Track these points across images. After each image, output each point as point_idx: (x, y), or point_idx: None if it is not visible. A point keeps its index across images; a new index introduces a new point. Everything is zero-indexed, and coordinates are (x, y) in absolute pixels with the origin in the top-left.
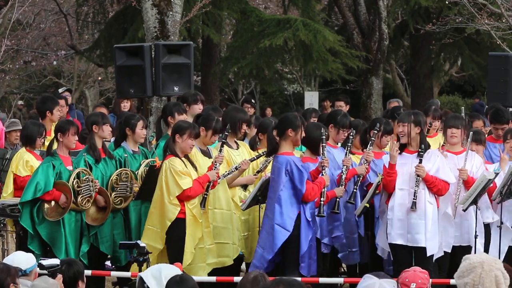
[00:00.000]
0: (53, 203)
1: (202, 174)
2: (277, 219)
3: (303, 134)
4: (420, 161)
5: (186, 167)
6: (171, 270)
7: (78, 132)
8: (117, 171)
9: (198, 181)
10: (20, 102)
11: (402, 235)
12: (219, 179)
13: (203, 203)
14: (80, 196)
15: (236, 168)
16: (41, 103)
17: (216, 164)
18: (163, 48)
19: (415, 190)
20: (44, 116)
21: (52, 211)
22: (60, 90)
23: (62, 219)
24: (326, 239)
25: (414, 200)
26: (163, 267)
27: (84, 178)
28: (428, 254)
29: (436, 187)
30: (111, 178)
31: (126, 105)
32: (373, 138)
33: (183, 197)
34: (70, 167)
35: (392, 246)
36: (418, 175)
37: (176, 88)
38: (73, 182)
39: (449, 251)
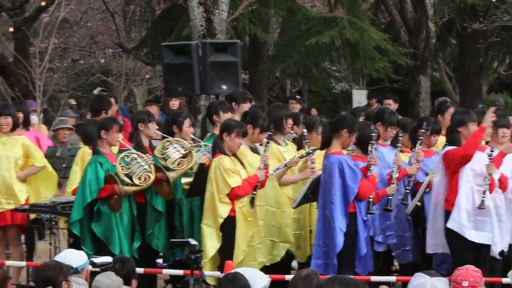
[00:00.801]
0: (115, 196)
1: (251, 171)
2: (334, 220)
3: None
4: (490, 160)
5: (235, 165)
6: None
7: (121, 129)
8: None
9: (248, 181)
10: (72, 101)
11: (471, 230)
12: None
13: (252, 203)
14: (136, 176)
15: (285, 165)
16: (97, 102)
17: (261, 165)
18: (210, 46)
19: (484, 189)
20: (99, 115)
21: (116, 203)
22: (95, 91)
23: (115, 216)
24: (380, 237)
25: (483, 198)
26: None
27: (129, 159)
28: (495, 252)
29: (503, 184)
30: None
31: (175, 104)
32: (421, 137)
33: (232, 195)
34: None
35: (458, 240)
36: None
37: (224, 87)
38: (120, 169)
39: (506, 249)
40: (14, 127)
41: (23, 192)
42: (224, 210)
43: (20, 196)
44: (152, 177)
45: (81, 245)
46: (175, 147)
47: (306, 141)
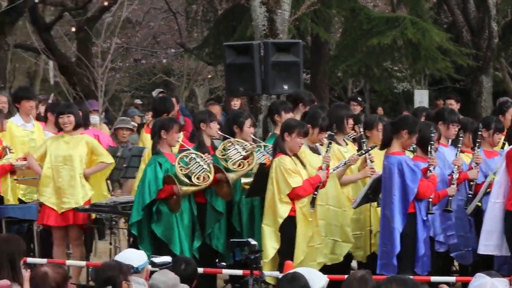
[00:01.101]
0: (174, 196)
1: (311, 171)
2: (393, 220)
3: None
4: None
5: (296, 165)
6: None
7: (181, 129)
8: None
9: (309, 181)
10: (138, 101)
11: None
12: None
13: (312, 203)
14: (194, 175)
15: (345, 163)
16: (160, 104)
17: (323, 165)
18: (272, 46)
19: None
20: (160, 116)
21: (175, 203)
22: (154, 93)
23: (175, 216)
24: (441, 237)
25: None
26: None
27: (188, 159)
28: None
29: None
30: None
31: (236, 103)
32: (478, 140)
33: (293, 196)
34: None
35: None
36: None
37: (285, 87)
38: (179, 169)
39: None
40: (77, 126)
41: (87, 192)
42: (284, 210)
43: (83, 195)
44: (211, 176)
45: (138, 245)
46: (236, 148)
47: (363, 140)
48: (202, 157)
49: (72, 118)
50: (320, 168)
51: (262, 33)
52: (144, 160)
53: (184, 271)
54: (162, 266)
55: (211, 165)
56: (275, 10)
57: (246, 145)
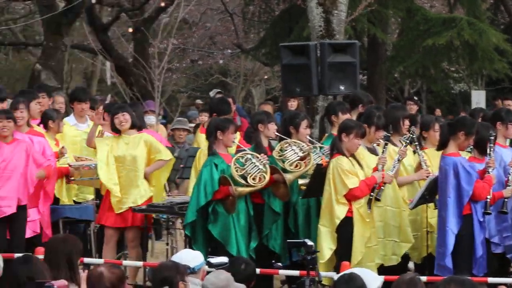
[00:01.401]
0: (230, 197)
1: (368, 172)
2: (447, 221)
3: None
4: None
5: (353, 165)
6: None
7: (237, 130)
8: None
9: (366, 182)
10: (199, 101)
11: None
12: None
13: (369, 204)
14: (250, 176)
15: (398, 160)
16: (218, 105)
17: (379, 166)
18: (328, 47)
19: None
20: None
21: (231, 204)
22: (211, 93)
23: (232, 216)
24: (496, 238)
25: None
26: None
27: (244, 159)
28: None
29: None
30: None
31: (293, 104)
32: None
33: (350, 197)
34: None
35: None
36: None
37: (342, 87)
38: (234, 170)
39: None
40: (133, 125)
41: (145, 192)
42: (341, 211)
43: (141, 195)
44: (267, 177)
45: (192, 246)
46: (293, 149)
47: (416, 143)
48: (258, 157)
49: (127, 116)
50: (376, 169)
51: (319, 34)
52: (197, 160)
53: (244, 272)
54: (218, 266)
55: (267, 166)
56: (332, 11)
57: (303, 146)
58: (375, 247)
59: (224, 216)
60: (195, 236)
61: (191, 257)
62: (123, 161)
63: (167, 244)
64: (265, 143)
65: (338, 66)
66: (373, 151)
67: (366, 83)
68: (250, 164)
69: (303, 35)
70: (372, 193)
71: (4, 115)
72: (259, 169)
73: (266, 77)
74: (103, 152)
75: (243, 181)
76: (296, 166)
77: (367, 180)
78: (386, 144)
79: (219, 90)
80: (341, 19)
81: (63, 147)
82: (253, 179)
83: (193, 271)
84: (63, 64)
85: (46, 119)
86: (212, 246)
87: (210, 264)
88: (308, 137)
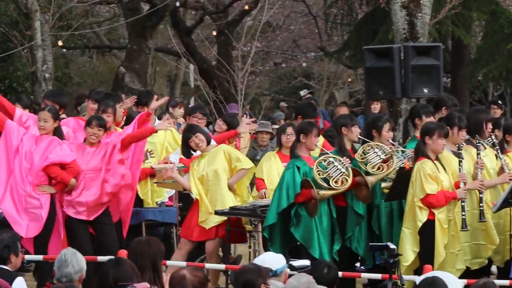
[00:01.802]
0: (313, 200)
1: (453, 176)
2: None
3: None
4: None
5: (437, 169)
6: None
7: (320, 133)
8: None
9: (445, 193)
10: (284, 104)
11: None
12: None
13: (481, 216)
14: (332, 179)
15: (478, 171)
16: (305, 108)
17: (478, 170)
18: (412, 49)
19: None
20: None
21: (313, 207)
22: (302, 93)
23: (315, 219)
24: None
25: None
26: None
27: (326, 163)
28: None
29: None
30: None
31: (376, 107)
32: None
33: (425, 202)
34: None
35: None
36: None
37: (425, 90)
38: (317, 173)
39: None
40: (208, 142)
41: (234, 202)
42: (422, 214)
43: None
44: (349, 180)
45: (269, 248)
46: (375, 152)
47: (497, 147)
48: (340, 160)
49: (201, 137)
50: (458, 185)
51: (402, 37)
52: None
53: (327, 275)
54: (300, 269)
55: (349, 169)
56: (416, 14)
57: (385, 148)
58: (458, 253)
59: (306, 219)
60: (273, 238)
61: (273, 260)
62: (206, 179)
63: (249, 247)
64: (348, 146)
65: (422, 69)
66: (458, 155)
67: (450, 86)
68: (333, 167)
69: (388, 38)
70: (481, 204)
71: (97, 122)
72: (341, 172)
73: (349, 80)
74: (192, 185)
75: (325, 184)
76: (379, 168)
77: (447, 193)
78: (478, 154)
79: (310, 90)
80: (425, 22)
81: (147, 150)
82: (336, 182)
83: (275, 274)
84: (147, 67)
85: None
86: (291, 249)
87: (292, 267)
88: (390, 140)
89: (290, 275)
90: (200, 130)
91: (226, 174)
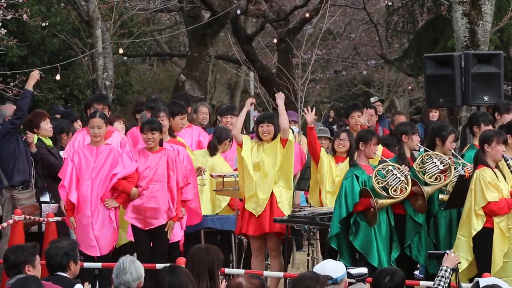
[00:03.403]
0: (372, 209)
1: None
2: None
3: None
4: None
5: (497, 178)
6: None
7: (379, 141)
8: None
9: (507, 201)
10: (331, 113)
11: None
12: None
13: None
14: (391, 188)
15: None
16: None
17: None
18: (473, 57)
19: None
20: None
21: (372, 216)
22: (372, 100)
23: (374, 227)
24: None
25: None
26: None
27: (385, 171)
28: None
29: None
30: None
31: (434, 115)
32: None
33: (487, 210)
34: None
35: None
36: None
37: (486, 98)
38: (375, 182)
39: None
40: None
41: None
42: (478, 223)
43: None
44: (409, 188)
45: (338, 259)
46: (434, 162)
47: None
48: (399, 169)
49: (271, 128)
50: None
51: (463, 44)
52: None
53: (390, 283)
54: (358, 277)
55: (408, 177)
56: (477, 21)
57: (444, 159)
58: None
59: (365, 228)
60: (341, 249)
61: (333, 267)
62: (261, 166)
63: (308, 254)
64: (407, 154)
65: (482, 77)
66: None
67: (511, 94)
68: (392, 175)
69: (449, 45)
70: None
71: (149, 126)
72: (400, 180)
73: (409, 87)
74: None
75: (384, 193)
76: (436, 179)
77: (510, 200)
78: None
79: (380, 98)
80: (487, 30)
81: (200, 167)
82: (395, 191)
83: (335, 282)
84: (207, 74)
85: None
86: (358, 258)
87: (349, 275)
88: (451, 151)
89: (349, 284)
90: (276, 123)
91: (276, 168)
